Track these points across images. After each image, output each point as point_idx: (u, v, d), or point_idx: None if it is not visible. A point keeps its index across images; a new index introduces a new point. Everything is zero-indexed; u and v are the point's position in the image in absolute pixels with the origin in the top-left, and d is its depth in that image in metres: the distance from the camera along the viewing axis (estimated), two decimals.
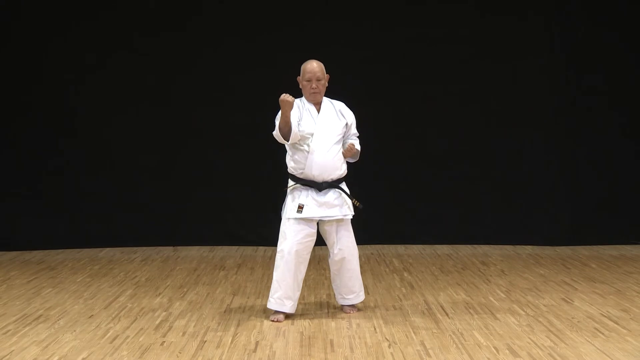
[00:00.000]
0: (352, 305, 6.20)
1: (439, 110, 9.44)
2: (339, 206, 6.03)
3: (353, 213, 6.11)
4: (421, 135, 9.49)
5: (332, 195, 6.02)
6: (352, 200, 6.12)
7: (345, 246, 6.09)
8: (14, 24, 9.29)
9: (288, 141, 5.95)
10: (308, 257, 6.08)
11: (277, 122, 5.95)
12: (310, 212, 5.98)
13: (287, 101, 5.77)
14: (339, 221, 6.06)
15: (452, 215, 9.45)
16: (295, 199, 6.03)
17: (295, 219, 6.00)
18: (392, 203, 9.44)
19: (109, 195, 9.37)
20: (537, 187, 9.42)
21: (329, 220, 6.05)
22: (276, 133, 5.94)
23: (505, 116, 9.44)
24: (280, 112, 5.88)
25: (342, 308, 6.22)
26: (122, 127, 9.39)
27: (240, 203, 9.35)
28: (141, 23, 9.36)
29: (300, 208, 5.99)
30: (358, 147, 6.23)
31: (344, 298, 6.19)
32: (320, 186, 6.00)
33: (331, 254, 6.14)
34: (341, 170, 6.08)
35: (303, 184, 6.03)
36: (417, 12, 9.40)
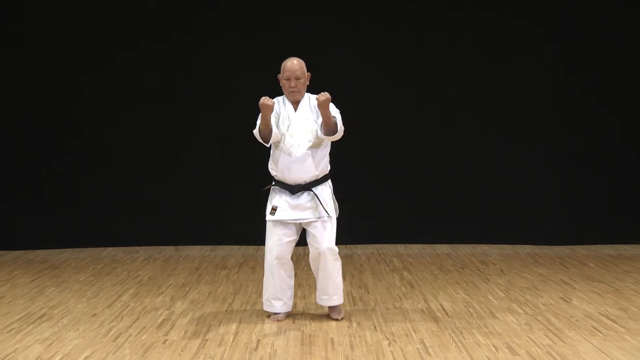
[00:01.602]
0: (336, 310, 6.05)
1: (439, 111, 9.45)
2: (311, 209, 5.89)
3: (329, 215, 5.91)
4: (421, 135, 9.49)
5: (305, 197, 5.89)
6: (322, 205, 5.90)
7: (320, 245, 5.90)
8: (17, 24, 9.31)
9: (267, 143, 5.89)
10: (286, 258, 5.99)
11: (258, 122, 5.89)
12: (282, 214, 5.90)
13: (266, 105, 5.71)
14: (317, 222, 5.90)
15: (452, 214, 9.46)
16: (271, 201, 5.99)
17: (270, 221, 5.96)
18: (392, 203, 9.43)
19: (111, 195, 9.40)
20: (536, 187, 9.44)
21: (307, 222, 5.92)
22: (256, 132, 5.89)
23: (505, 116, 9.45)
24: (260, 114, 5.85)
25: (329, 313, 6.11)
26: (124, 128, 9.42)
27: (242, 203, 9.31)
28: (143, 24, 9.38)
29: (274, 210, 5.92)
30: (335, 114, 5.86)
31: (320, 298, 6.06)
32: (292, 189, 5.90)
33: (309, 252, 6.04)
34: (316, 172, 5.90)
35: (280, 186, 5.96)
36: (417, 13, 9.41)
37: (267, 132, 5.83)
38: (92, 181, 9.41)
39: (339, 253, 6.01)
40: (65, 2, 9.34)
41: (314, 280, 7.28)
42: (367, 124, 9.02)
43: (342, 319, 6.01)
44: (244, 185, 9.33)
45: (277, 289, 6.01)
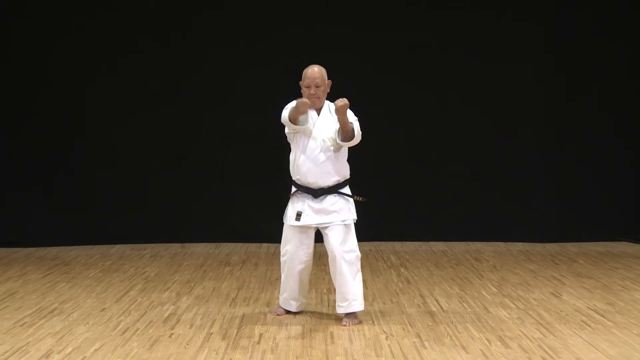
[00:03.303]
0: (352, 316, 5.86)
1: (437, 111, 9.48)
2: (336, 212, 5.84)
3: (354, 217, 5.89)
4: (418, 136, 9.54)
5: (329, 201, 5.84)
6: (354, 198, 5.90)
7: (335, 248, 5.82)
8: (24, 25, 9.34)
9: (297, 124, 5.75)
10: (309, 261, 5.98)
11: (286, 112, 5.80)
12: (307, 219, 5.85)
13: (304, 103, 5.65)
14: (336, 225, 5.84)
15: (447, 213, 9.50)
16: (294, 206, 5.92)
17: (293, 226, 5.92)
18: (390, 202, 9.47)
19: (119, 195, 9.45)
20: (528, 186, 9.49)
21: (324, 226, 5.87)
22: (285, 117, 5.78)
23: (503, 116, 9.49)
24: (293, 104, 5.74)
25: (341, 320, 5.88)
26: (131, 129, 9.46)
27: (245, 202, 9.40)
28: (144, 25, 9.42)
29: (299, 216, 5.86)
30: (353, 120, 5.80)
31: (339, 306, 5.88)
32: (315, 193, 5.84)
33: (328, 257, 5.95)
34: (338, 176, 5.87)
35: (302, 191, 5.89)
36: (418, 13, 9.45)
37: (296, 114, 5.71)
38: (100, 181, 9.45)
39: (358, 258, 5.89)
40: (65, 3, 9.36)
41: (314, 277, 7.26)
42: (367, 124, 9.09)
43: (357, 324, 5.83)
44: (247, 184, 9.37)
45: (295, 290, 6.03)
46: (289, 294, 6.09)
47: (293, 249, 5.96)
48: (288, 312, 6.13)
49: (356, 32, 9.44)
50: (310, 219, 5.87)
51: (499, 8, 9.47)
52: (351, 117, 5.84)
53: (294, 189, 5.98)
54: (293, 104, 5.80)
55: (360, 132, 5.83)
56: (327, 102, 5.96)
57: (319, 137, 5.85)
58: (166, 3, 9.50)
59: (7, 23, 9.38)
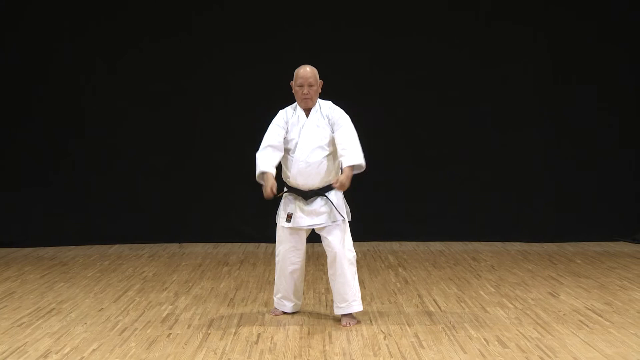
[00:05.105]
0: (350, 316, 5.87)
1: (438, 111, 9.50)
2: (326, 213, 5.81)
3: (343, 218, 5.83)
4: (418, 136, 9.55)
5: (318, 203, 5.81)
6: (337, 208, 5.81)
7: (334, 248, 5.81)
8: (23, 25, 9.36)
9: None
10: (302, 262, 5.99)
11: (259, 159, 5.85)
12: (298, 221, 5.84)
13: (267, 195, 5.71)
14: (331, 226, 5.83)
15: (446, 213, 9.51)
16: (285, 208, 5.92)
17: (285, 227, 5.91)
18: (388, 202, 9.51)
19: (117, 195, 9.47)
20: (526, 186, 9.50)
21: (320, 227, 5.86)
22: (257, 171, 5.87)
23: (503, 116, 9.50)
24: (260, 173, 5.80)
25: (340, 320, 5.88)
26: (130, 129, 9.49)
27: (243, 202, 9.39)
28: (144, 25, 9.44)
29: (289, 217, 5.85)
30: (347, 175, 5.74)
31: (338, 307, 5.87)
32: (305, 194, 5.82)
33: (327, 258, 5.95)
34: (329, 177, 5.82)
35: (292, 192, 5.88)
36: (417, 14, 9.46)
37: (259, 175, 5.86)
38: (99, 181, 9.47)
39: (355, 258, 5.90)
40: (65, 3, 9.38)
41: (312, 277, 7.36)
42: (367, 124, 9.07)
43: (355, 324, 5.83)
44: (245, 184, 9.35)
45: (289, 291, 6.04)
46: (282, 295, 6.10)
47: (285, 251, 5.98)
48: (285, 312, 6.14)
49: (356, 32, 9.46)
50: (302, 220, 5.86)
51: (498, 8, 9.48)
52: (349, 130, 5.85)
53: (285, 190, 5.95)
54: (262, 159, 5.82)
55: (361, 153, 5.82)
56: (319, 102, 5.94)
57: (308, 140, 5.83)
58: (166, 3, 9.51)
59: (7, 23, 9.40)
